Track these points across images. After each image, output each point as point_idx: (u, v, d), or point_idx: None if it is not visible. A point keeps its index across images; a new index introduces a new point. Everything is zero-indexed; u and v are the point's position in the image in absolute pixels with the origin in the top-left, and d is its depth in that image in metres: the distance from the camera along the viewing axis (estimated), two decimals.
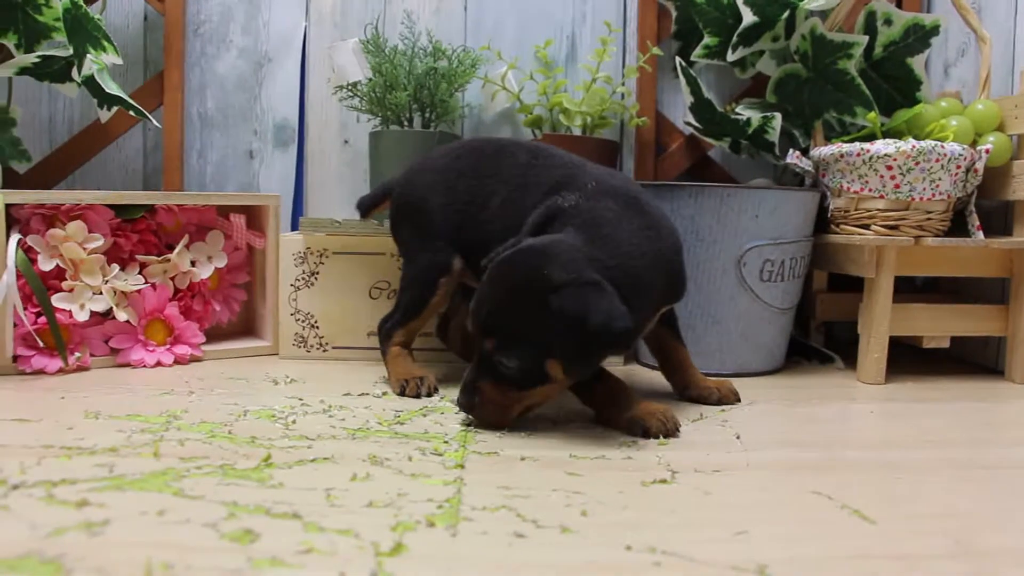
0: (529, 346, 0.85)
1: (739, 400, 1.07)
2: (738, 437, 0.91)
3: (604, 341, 0.84)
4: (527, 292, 0.85)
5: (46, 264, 1.14)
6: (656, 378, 1.15)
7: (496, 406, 0.89)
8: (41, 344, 1.13)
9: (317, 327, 1.28)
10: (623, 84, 1.48)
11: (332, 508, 0.65)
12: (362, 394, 1.05)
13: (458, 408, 0.92)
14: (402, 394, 1.05)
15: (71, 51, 1.23)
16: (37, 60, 1.26)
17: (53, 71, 1.30)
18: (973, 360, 1.37)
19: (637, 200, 0.97)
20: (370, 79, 1.36)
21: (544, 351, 0.85)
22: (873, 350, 1.20)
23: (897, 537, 0.64)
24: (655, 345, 1.10)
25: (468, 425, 0.91)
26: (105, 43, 1.27)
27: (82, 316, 1.15)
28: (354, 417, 0.94)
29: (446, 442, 0.85)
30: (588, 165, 1.04)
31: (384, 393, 1.06)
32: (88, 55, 1.25)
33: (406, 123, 1.39)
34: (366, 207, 1.22)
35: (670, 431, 0.89)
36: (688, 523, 0.66)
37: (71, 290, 1.16)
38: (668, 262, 0.96)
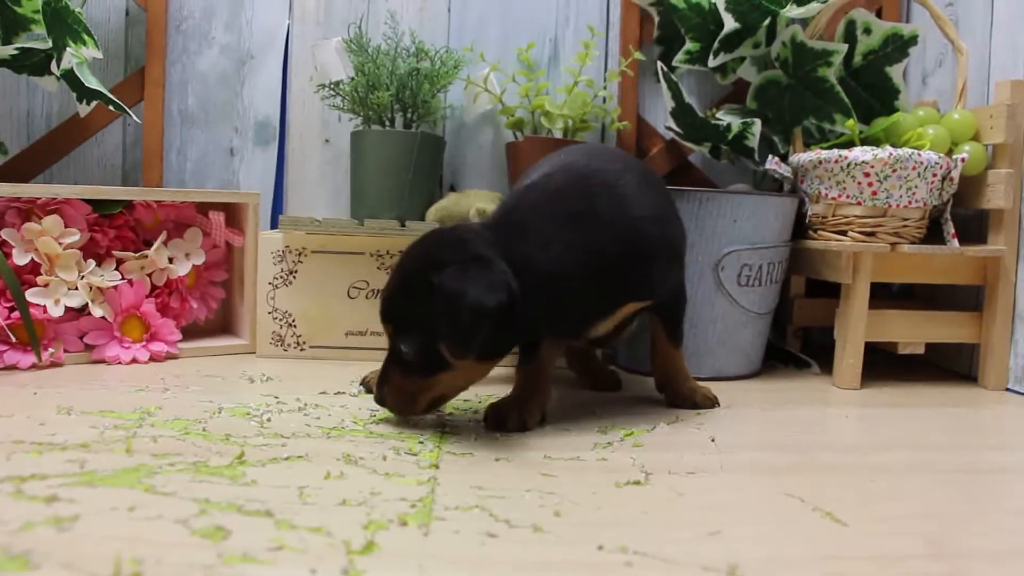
0: (421, 331, 0.84)
1: (716, 405, 1.06)
2: (713, 440, 0.91)
3: (478, 317, 0.79)
4: (416, 275, 0.85)
5: (21, 258, 1.13)
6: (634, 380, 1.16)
7: (403, 394, 0.88)
8: (14, 339, 1.12)
9: (295, 326, 1.28)
10: (605, 88, 1.49)
11: (305, 506, 0.65)
12: (338, 393, 1.05)
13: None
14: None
15: (50, 44, 1.22)
16: (15, 52, 1.24)
17: (32, 64, 1.29)
18: (947, 366, 1.39)
19: (589, 188, 0.91)
20: (352, 78, 1.36)
21: (434, 334, 0.83)
22: (849, 355, 1.21)
23: (870, 538, 0.64)
24: (652, 344, 1.07)
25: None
26: (85, 36, 1.26)
27: (57, 311, 1.14)
28: (329, 416, 0.94)
29: (421, 442, 0.85)
30: (583, 150, 1.01)
31: (360, 392, 1.06)
32: (68, 48, 1.24)
33: (388, 123, 1.39)
34: None
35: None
36: (661, 524, 0.66)
37: (46, 285, 1.15)
38: (607, 255, 0.89)
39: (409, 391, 0.88)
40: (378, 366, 0.92)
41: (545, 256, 0.86)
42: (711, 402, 1.05)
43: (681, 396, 1.05)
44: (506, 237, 0.87)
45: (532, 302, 0.85)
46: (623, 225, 0.91)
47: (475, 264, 0.82)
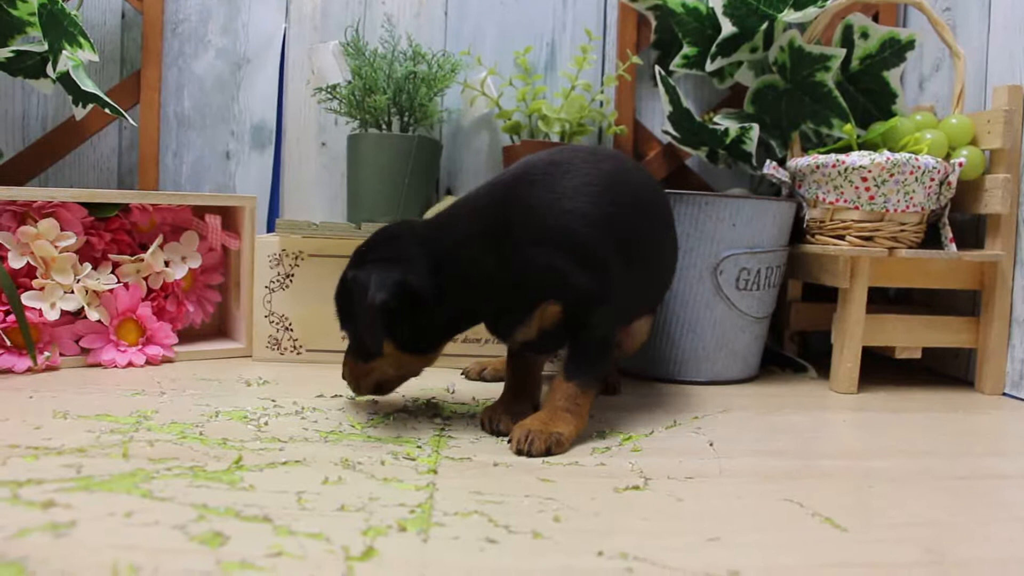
0: (349, 321, 0.93)
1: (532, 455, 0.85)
2: (711, 444, 0.91)
3: (370, 312, 0.85)
4: (347, 269, 0.92)
5: (16, 262, 1.13)
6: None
7: (352, 376, 0.96)
8: (9, 343, 1.11)
9: (291, 329, 1.27)
10: (602, 92, 1.49)
11: (303, 511, 0.65)
12: (335, 396, 1.05)
13: None
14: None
15: (46, 47, 1.21)
16: (11, 55, 1.24)
17: (27, 66, 1.28)
18: (943, 371, 1.39)
19: (515, 186, 0.92)
20: (349, 82, 1.36)
21: (356, 324, 0.91)
22: (846, 360, 1.21)
23: (870, 545, 0.64)
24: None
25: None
26: (81, 39, 1.26)
27: (53, 315, 1.14)
28: (327, 420, 0.93)
29: (419, 447, 0.85)
30: (556, 150, 0.99)
31: (357, 396, 1.05)
32: (64, 51, 1.23)
33: (384, 126, 1.39)
34: None
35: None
36: (660, 529, 0.66)
37: (42, 288, 1.14)
38: (521, 254, 0.87)
39: (356, 374, 0.95)
40: None
41: (463, 254, 0.89)
42: (539, 452, 0.85)
43: (521, 427, 0.87)
44: (436, 235, 0.91)
45: (454, 299, 0.89)
46: (537, 227, 0.89)
47: (382, 263, 0.88)
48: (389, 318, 0.86)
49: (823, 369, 1.29)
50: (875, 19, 1.53)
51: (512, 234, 0.88)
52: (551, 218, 0.88)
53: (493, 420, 0.93)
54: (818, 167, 1.22)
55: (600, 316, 0.90)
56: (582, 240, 0.88)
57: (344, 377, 0.97)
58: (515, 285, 0.88)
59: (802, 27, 1.34)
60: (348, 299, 0.91)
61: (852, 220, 1.22)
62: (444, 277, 0.88)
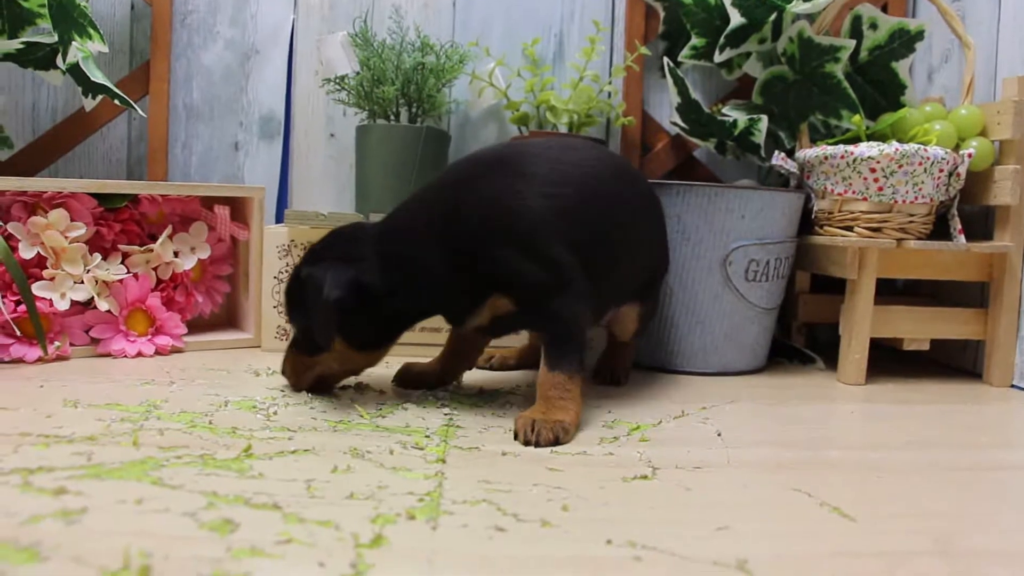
0: (301, 316, 0.95)
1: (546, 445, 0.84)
2: (719, 435, 0.91)
3: (324, 309, 0.88)
4: (300, 267, 0.95)
5: (27, 252, 1.13)
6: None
7: (293, 369, 0.99)
8: (19, 333, 1.12)
9: None
10: (610, 83, 1.49)
11: (312, 499, 0.65)
12: (343, 387, 1.05)
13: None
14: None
15: (56, 38, 1.22)
16: (21, 47, 1.24)
17: (37, 58, 1.29)
18: (951, 363, 1.39)
19: (451, 179, 0.95)
20: (358, 73, 1.36)
21: (307, 319, 0.93)
22: (854, 351, 1.21)
23: (878, 535, 0.64)
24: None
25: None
26: (91, 31, 1.26)
27: (63, 305, 1.14)
28: (336, 409, 0.94)
29: (427, 436, 0.85)
30: (508, 144, 1.00)
31: (366, 386, 1.06)
32: (73, 42, 1.24)
33: (393, 117, 1.39)
34: None
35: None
36: (669, 519, 0.66)
37: (52, 279, 1.15)
38: (451, 246, 0.90)
39: (298, 368, 0.99)
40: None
41: (411, 253, 0.91)
42: (547, 442, 0.84)
43: (522, 418, 0.87)
44: (387, 235, 0.94)
45: (404, 297, 0.92)
46: (480, 221, 0.90)
47: (337, 261, 0.91)
48: (341, 315, 0.89)
49: (830, 360, 1.29)
50: (884, 9, 1.52)
51: (459, 231, 0.90)
52: (496, 214, 0.89)
53: (401, 377, 1.05)
54: (827, 158, 1.22)
55: (561, 304, 0.90)
56: (527, 234, 0.89)
57: (283, 372, 1.00)
58: (463, 281, 0.91)
59: (811, 18, 1.34)
60: (299, 294, 0.94)
61: (860, 211, 1.21)
62: (394, 276, 0.91)
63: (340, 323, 0.90)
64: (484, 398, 1.03)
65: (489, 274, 0.90)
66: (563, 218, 0.90)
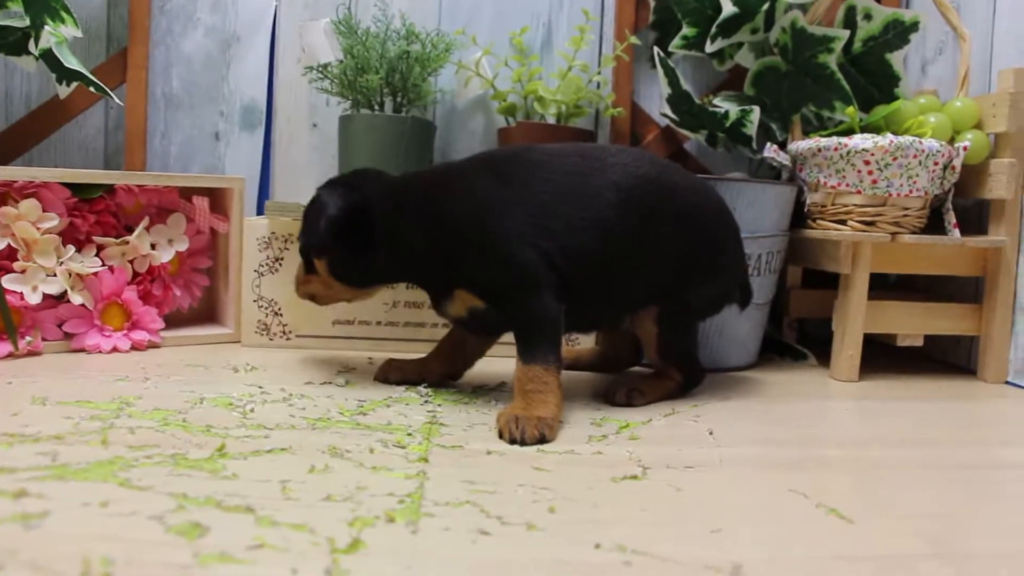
0: (305, 229, 1.01)
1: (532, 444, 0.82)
2: (711, 433, 0.88)
3: (317, 214, 0.97)
4: (318, 188, 1.01)
5: None
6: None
7: (295, 278, 1.07)
8: None
9: (281, 314, 1.25)
10: (599, 73, 1.46)
11: (287, 501, 0.62)
12: (324, 383, 1.02)
13: None
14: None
15: (28, 22, 1.18)
16: None
17: (9, 43, 1.24)
18: (945, 359, 1.37)
19: (452, 172, 0.99)
20: (341, 61, 1.33)
21: (308, 236, 1.01)
22: (848, 347, 1.18)
23: (876, 537, 0.62)
24: None
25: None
26: (64, 15, 1.22)
27: (35, 299, 1.11)
28: (315, 407, 0.91)
29: (410, 434, 0.82)
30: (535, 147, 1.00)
31: (347, 382, 1.03)
32: (46, 27, 1.20)
33: (377, 107, 1.36)
34: None
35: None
36: (660, 521, 0.63)
37: (23, 271, 1.11)
38: (432, 230, 0.94)
39: (298, 278, 1.06)
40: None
41: (401, 219, 0.95)
42: (533, 440, 0.82)
43: (504, 415, 0.85)
44: (392, 195, 0.98)
45: (385, 250, 0.96)
46: (458, 221, 0.93)
47: (346, 189, 0.98)
48: (331, 238, 0.96)
49: (822, 356, 1.27)
50: (878, 0, 1.50)
51: (434, 221, 0.94)
52: (467, 214, 0.92)
53: (383, 371, 1.05)
54: (820, 150, 1.19)
55: (528, 301, 0.90)
56: (491, 236, 0.90)
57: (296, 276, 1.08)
58: (434, 266, 0.95)
59: (804, 7, 1.31)
60: (308, 210, 1.01)
61: (854, 204, 1.19)
62: (382, 227, 0.96)
63: (329, 247, 0.97)
64: (469, 394, 1.00)
65: (453, 268, 0.93)
66: (535, 224, 0.90)
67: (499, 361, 1.10)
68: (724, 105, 1.34)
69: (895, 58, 1.33)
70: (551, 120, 1.39)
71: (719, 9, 1.32)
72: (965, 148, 1.18)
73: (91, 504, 0.60)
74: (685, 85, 1.34)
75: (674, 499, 0.68)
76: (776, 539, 0.61)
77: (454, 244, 0.92)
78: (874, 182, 1.17)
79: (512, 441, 0.81)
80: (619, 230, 0.93)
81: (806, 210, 1.25)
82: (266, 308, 1.24)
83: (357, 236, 0.96)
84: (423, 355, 1.07)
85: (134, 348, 1.17)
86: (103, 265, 1.17)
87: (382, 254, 0.97)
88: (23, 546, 0.52)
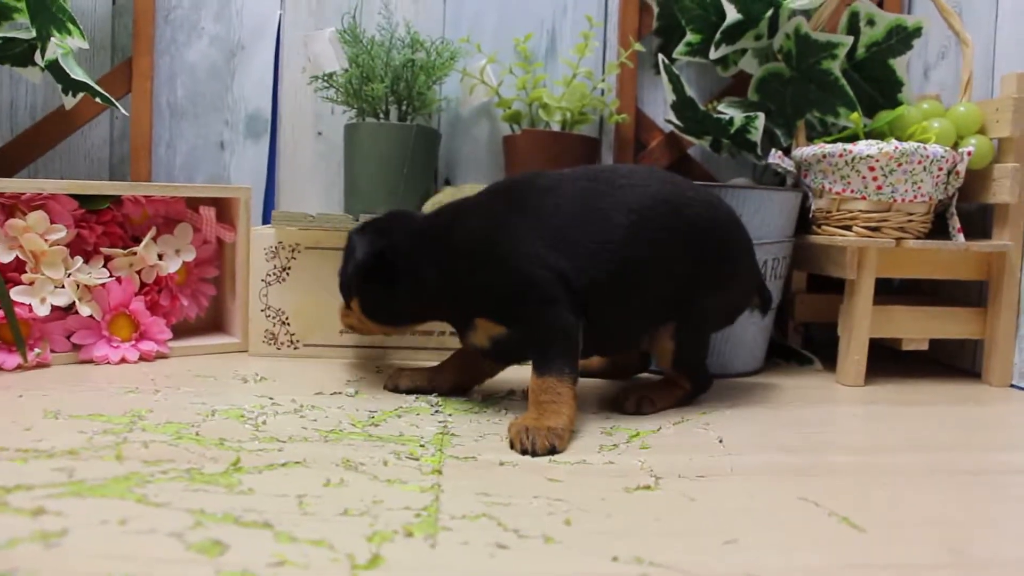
0: (342, 268, 1.05)
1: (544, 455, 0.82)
2: (721, 441, 0.89)
3: (348, 263, 1.02)
4: (351, 232, 1.05)
5: (5, 256, 1.10)
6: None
7: (340, 310, 1.11)
8: None
9: (288, 324, 1.25)
10: (603, 80, 1.46)
11: (305, 516, 0.62)
12: (334, 393, 1.02)
13: None
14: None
15: (34, 33, 1.18)
16: None
17: (15, 54, 1.25)
18: (950, 362, 1.37)
19: (469, 206, 1.00)
20: (346, 70, 1.33)
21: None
22: (853, 352, 1.19)
23: (890, 545, 0.62)
24: None
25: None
26: (70, 26, 1.23)
27: (43, 310, 1.11)
28: (327, 418, 0.91)
29: (422, 446, 0.82)
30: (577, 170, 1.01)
31: (357, 392, 1.03)
32: (52, 38, 1.20)
33: (382, 116, 1.36)
34: None
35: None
36: (675, 531, 0.63)
37: (31, 283, 1.11)
38: (457, 271, 0.95)
39: (341, 310, 1.10)
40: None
41: (422, 257, 0.98)
42: (544, 450, 0.82)
43: (515, 425, 0.85)
44: (415, 234, 1.00)
45: (411, 291, 0.99)
46: (472, 250, 0.95)
47: (376, 233, 1.01)
48: (362, 280, 1.00)
49: (828, 361, 1.27)
50: (880, 5, 1.50)
51: (448, 253, 0.96)
52: (478, 246, 0.94)
53: (393, 378, 1.06)
54: (824, 156, 1.20)
55: (543, 315, 0.90)
56: (503, 258, 0.91)
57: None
58: (452, 298, 0.97)
59: (808, 14, 1.32)
60: (345, 256, 1.05)
61: (859, 210, 1.20)
62: (404, 268, 0.99)
63: (360, 288, 1.02)
64: (479, 404, 1.01)
65: (470, 297, 0.95)
66: (548, 248, 0.91)
67: (508, 370, 1.10)
68: (728, 111, 1.34)
69: (898, 63, 1.34)
70: (556, 127, 1.40)
71: (723, 15, 1.33)
72: (969, 153, 1.19)
73: (110, 521, 0.60)
74: (689, 91, 1.35)
75: (687, 509, 0.68)
76: (790, 549, 0.61)
77: (468, 271, 0.94)
78: (879, 188, 1.17)
79: (523, 451, 0.82)
80: (633, 252, 0.93)
81: (811, 216, 1.26)
82: (273, 317, 1.25)
83: (383, 279, 1.00)
84: (433, 363, 1.07)
85: (142, 359, 1.17)
86: (111, 276, 1.18)
87: (406, 294, 1.00)
88: (44, 566, 0.53)
